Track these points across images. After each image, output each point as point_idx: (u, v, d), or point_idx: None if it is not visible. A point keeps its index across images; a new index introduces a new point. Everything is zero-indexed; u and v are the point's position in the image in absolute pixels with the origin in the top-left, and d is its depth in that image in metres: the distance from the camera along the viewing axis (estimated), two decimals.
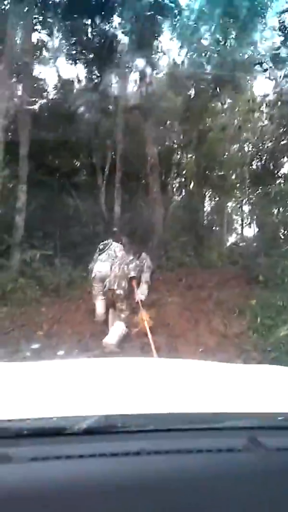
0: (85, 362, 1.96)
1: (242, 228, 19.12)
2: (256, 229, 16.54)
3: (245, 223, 18.96)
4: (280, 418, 0.98)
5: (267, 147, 15.69)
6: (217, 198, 18.64)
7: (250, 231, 17.72)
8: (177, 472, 0.77)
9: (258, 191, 15.57)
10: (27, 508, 0.70)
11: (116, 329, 5.38)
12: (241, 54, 12.38)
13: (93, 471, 0.75)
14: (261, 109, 14.80)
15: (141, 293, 7.09)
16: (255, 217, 17.07)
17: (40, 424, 0.85)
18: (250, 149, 17.46)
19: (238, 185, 17.79)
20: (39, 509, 0.69)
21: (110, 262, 5.82)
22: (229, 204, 19.58)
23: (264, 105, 14.12)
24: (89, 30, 11.85)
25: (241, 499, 0.75)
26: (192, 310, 6.67)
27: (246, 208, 18.97)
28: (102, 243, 6.47)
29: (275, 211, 12.62)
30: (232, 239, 19.77)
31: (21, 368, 1.52)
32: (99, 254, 6.13)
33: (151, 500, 0.72)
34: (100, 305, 6.07)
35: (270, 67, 12.31)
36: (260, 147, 16.64)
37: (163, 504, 0.72)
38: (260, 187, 14.61)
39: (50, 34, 11.98)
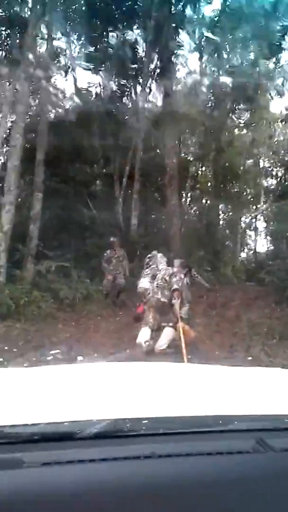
0: (95, 366, 1.93)
1: (256, 243, 18.62)
2: (271, 245, 16.07)
3: (260, 238, 18.46)
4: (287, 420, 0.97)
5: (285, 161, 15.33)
6: (231, 212, 18.20)
7: (264, 247, 17.25)
8: (189, 475, 0.76)
9: (274, 206, 15.14)
10: None
11: (166, 335, 5.14)
12: (261, 69, 12.06)
13: (105, 475, 0.74)
14: (279, 124, 14.46)
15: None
16: (269, 232, 16.62)
17: (51, 429, 0.84)
18: (266, 163, 17.12)
19: (253, 199, 17.38)
20: None
21: (151, 276, 5.55)
22: (242, 218, 19.14)
23: (283, 120, 13.83)
24: (109, 39, 11.61)
25: (253, 500, 0.73)
26: (223, 333, 6.09)
27: (260, 223, 18.52)
28: (148, 256, 6.08)
29: None
30: (244, 254, 19.28)
31: (32, 373, 1.47)
32: (145, 269, 5.75)
33: (164, 503, 0.71)
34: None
35: None
36: (277, 162, 16.32)
37: (176, 507, 0.71)
38: (277, 202, 14.18)
39: (69, 42, 11.73)
